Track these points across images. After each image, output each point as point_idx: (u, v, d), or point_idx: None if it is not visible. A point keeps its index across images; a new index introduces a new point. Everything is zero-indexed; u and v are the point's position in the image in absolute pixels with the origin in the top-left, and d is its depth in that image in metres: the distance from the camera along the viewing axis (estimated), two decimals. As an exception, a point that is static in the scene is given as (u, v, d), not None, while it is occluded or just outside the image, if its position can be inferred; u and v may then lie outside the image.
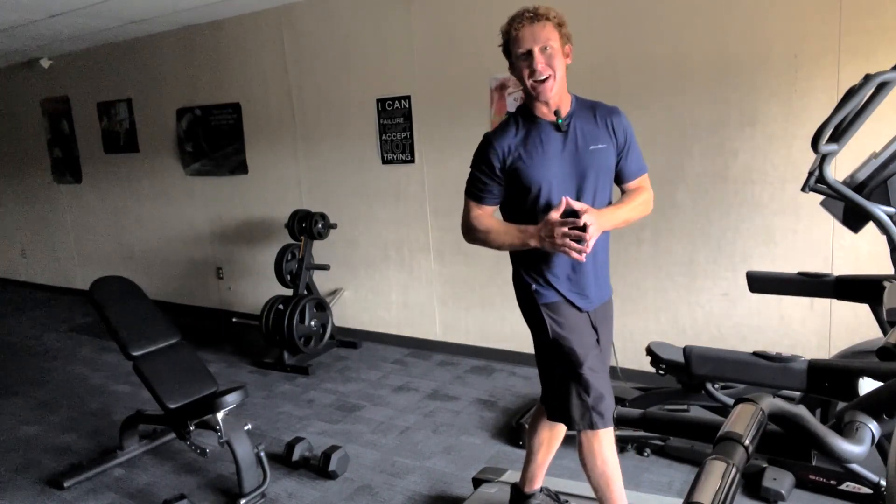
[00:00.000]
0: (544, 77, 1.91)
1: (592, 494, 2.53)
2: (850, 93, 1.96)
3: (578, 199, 1.95)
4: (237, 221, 5.55)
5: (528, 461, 2.41)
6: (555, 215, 1.81)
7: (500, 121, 4.03)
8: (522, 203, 1.99)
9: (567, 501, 2.47)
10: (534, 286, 2.04)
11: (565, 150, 1.98)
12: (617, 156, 2.05)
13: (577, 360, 1.97)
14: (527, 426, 2.48)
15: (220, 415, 2.84)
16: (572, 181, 1.98)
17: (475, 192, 2.04)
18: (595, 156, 2.00)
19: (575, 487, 2.61)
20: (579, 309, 2.04)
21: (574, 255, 1.79)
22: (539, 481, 2.43)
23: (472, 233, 2.03)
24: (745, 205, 3.40)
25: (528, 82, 1.93)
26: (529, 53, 1.90)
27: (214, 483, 3.08)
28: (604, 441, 2.02)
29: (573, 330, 2.01)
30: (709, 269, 3.50)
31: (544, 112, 1.99)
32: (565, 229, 1.78)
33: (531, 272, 2.05)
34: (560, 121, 1.98)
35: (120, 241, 6.54)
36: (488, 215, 2.03)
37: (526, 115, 2.01)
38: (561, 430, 2.34)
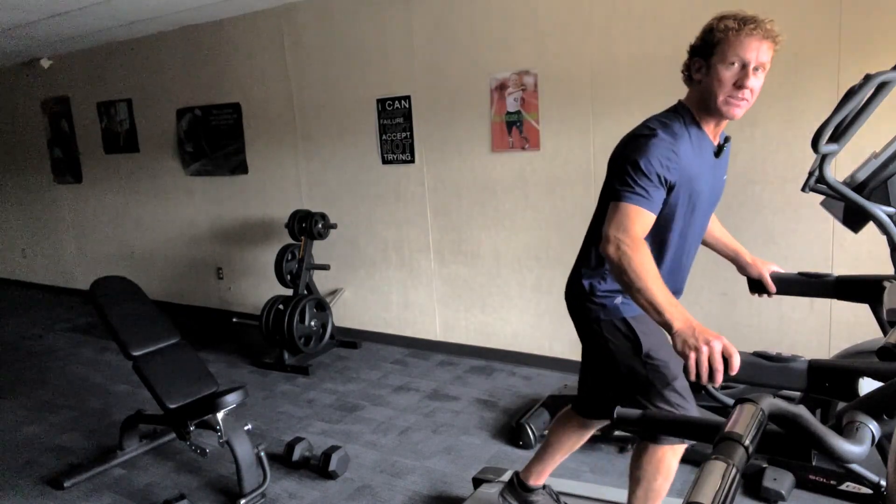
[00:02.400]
0: (744, 98, 1.70)
1: (592, 494, 2.54)
2: (851, 93, 1.96)
3: (701, 230, 1.91)
4: (237, 221, 5.55)
5: (543, 456, 2.37)
6: (728, 342, 1.47)
7: (500, 121, 4.07)
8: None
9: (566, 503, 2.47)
10: (618, 298, 1.89)
11: (714, 178, 1.86)
12: None
13: (671, 374, 1.87)
14: (554, 425, 2.40)
15: (220, 415, 2.84)
16: (708, 212, 1.91)
17: (644, 196, 1.64)
18: (721, 188, 1.96)
19: (575, 487, 2.61)
20: None
21: (692, 376, 1.46)
22: (545, 478, 2.42)
23: (629, 259, 1.57)
24: (745, 205, 3.40)
25: (724, 95, 1.70)
26: (745, 66, 1.67)
27: (214, 483, 3.08)
28: (676, 457, 1.97)
29: (663, 342, 1.86)
30: (708, 268, 3.49)
31: (711, 130, 1.82)
32: (720, 366, 1.44)
33: (610, 280, 1.87)
34: (724, 146, 1.85)
35: (120, 241, 6.53)
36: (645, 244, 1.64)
37: (696, 126, 1.79)
38: (588, 434, 2.32)
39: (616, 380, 1.98)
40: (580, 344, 2.10)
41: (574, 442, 2.32)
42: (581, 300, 1.98)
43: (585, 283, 1.96)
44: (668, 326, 1.50)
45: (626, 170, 1.68)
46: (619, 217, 1.63)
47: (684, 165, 1.72)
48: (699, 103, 1.78)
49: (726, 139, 1.88)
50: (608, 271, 1.86)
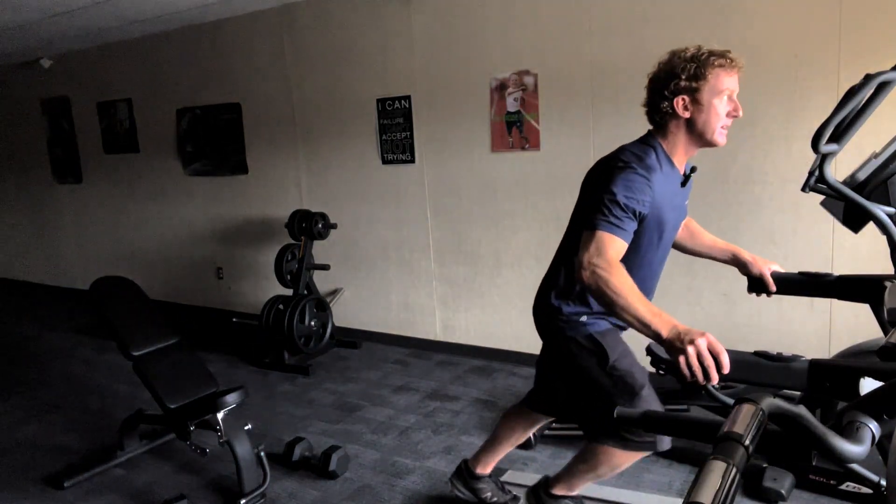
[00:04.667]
0: (726, 127, 1.82)
1: (592, 494, 2.54)
2: (851, 93, 1.96)
3: (665, 254, 1.99)
4: (237, 221, 5.55)
5: (490, 447, 2.50)
6: (713, 339, 1.46)
7: (500, 121, 4.07)
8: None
9: (511, 492, 2.57)
10: (583, 317, 1.97)
11: (679, 206, 1.95)
12: None
13: (637, 383, 1.97)
14: (505, 415, 2.55)
15: (220, 415, 2.84)
16: (672, 237, 1.98)
17: (619, 225, 1.70)
18: (684, 213, 2.04)
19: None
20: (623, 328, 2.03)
21: (688, 377, 1.47)
22: (491, 468, 2.54)
23: (606, 281, 1.61)
24: (745, 205, 3.40)
25: (719, 125, 1.79)
26: (730, 97, 1.79)
27: (214, 483, 3.08)
28: (629, 459, 2.06)
29: (627, 353, 2.00)
30: (708, 269, 3.49)
31: (680, 161, 1.90)
32: (710, 362, 1.43)
33: (577, 302, 1.97)
34: (690, 175, 1.93)
35: (120, 241, 6.53)
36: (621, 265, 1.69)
37: (667, 160, 1.87)
38: (533, 429, 2.49)
39: (585, 392, 2.08)
40: None
41: (520, 435, 2.46)
42: (549, 318, 2.05)
43: (554, 302, 2.03)
44: (657, 337, 1.52)
45: (601, 200, 1.72)
46: (594, 244, 1.68)
47: (656, 198, 1.79)
48: (685, 137, 1.84)
49: (692, 169, 1.94)
50: (578, 294, 1.96)
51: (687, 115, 1.79)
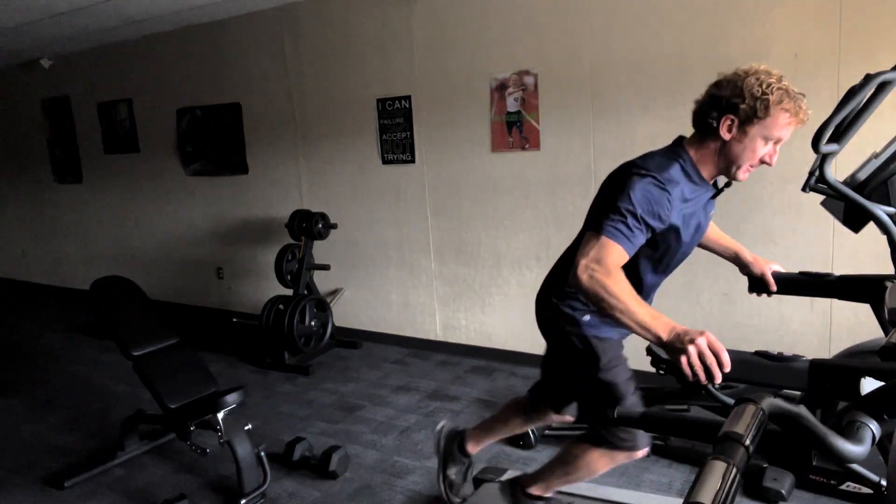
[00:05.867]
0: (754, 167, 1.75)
1: (592, 494, 2.54)
2: (851, 93, 1.96)
3: (676, 266, 1.95)
4: (237, 221, 5.55)
5: (489, 425, 2.51)
6: (713, 337, 1.45)
7: (500, 121, 4.07)
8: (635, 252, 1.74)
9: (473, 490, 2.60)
10: (586, 317, 1.96)
11: (703, 218, 1.87)
12: None
13: (619, 392, 1.95)
14: (509, 401, 2.55)
15: (220, 415, 2.84)
16: (689, 252, 1.93)
17: (626, 236, 1.63)
18: (708, 223, 1.97)
19: (575, 487, 2.60)
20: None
21: (690, 377, 1.46)
22: (478, 449, 2.55)
23: (603, 285, 1.56)
24: (746, 204, 3.40)
25: (748, 164, 1.72)
26: (778, 142, 1.71)
27: (215, 483, 3.08)
28: (608, 464, 2.07)
29: (618, 362, 1.98)
30: (709, 268, 3.49)
31: (710, 176, 1.81)
32: (712, 360, 1.42)
33: (579, 301, 1.94)
34: (723, 189, 1.86)
35: (120, 241, 6.53)
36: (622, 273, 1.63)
37: (696, 172, 1.78)
38: (532, 424, 2.50)
39: (575, 385, 2.11)
40: None
41: (518, 423, 2.46)
42: (549, 310, 2.04)
43: (557, 298, 2.01)
44: (657, 340, 1.50)
45: (615, 206, 1.65)
46: (595, 248, 1.61)
47: (676, 214, 1.72)
48: (714, 157, 1.75)
49: (727, 184, 1.85)
50: (579, 296, 1.90)
51: (727, 137, 1.70)
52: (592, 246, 1.62)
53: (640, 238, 1.66)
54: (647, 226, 1.66)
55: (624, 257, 1.64)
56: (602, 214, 1.66)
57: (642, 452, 2.03)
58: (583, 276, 1.59)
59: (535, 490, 2.29)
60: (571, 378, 2.11)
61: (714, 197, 1.87)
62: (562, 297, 2.00)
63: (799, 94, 1.66)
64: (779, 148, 1.72)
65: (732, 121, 1.68)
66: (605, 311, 1.58)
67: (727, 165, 1.74)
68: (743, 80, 1.66)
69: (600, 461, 2.05)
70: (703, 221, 1.89)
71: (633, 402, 1.97)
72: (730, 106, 1.67)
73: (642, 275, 1.88)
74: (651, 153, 1.81)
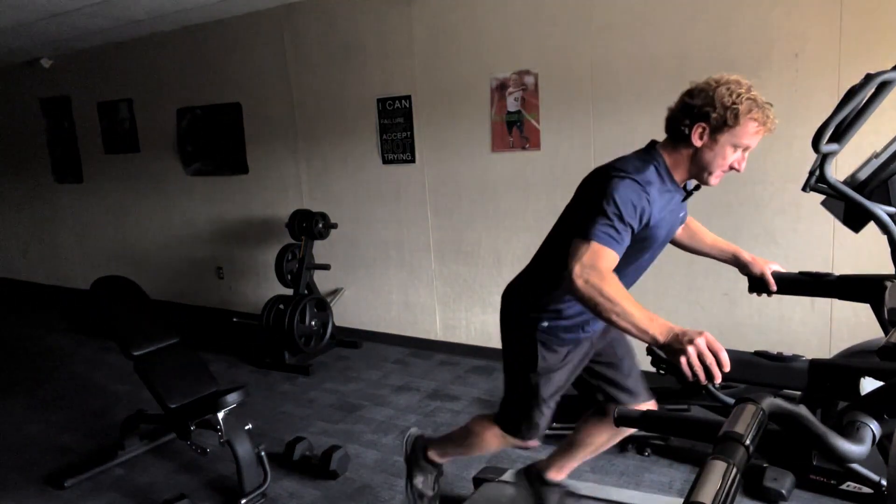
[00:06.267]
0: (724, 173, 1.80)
1: (593, 494, 2.54)
2: (851, 92, 1.96)
3: (650, 262, 1.98)
4: (238, 221, 5.55)
5: (567, 453, 2.44)
6: (711, 337, 1.46)
7: (500, 121, 4.07)
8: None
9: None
10: (544, 323, 2.00)
11: (674, 219, 1.93)
12: None
13: (537, 400, 2.05)
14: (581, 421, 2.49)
15: (220, 414, 2.84)
16: (656, 253, 1.96)
17: (615, 238, 1.66)
18: (679, 224, 2.03)
19: (576, 487, 2.60)
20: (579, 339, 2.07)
21: (690, 377, 1.46)
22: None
23: (599, 290, 1.58)
24: (746, 204, 3.40)
25: (718, 170, 1.77)
26: (746, 149, 1.76)
27: (215, 483, 3.08)
28: (500, 444, 2.26)
29: (554, 375, 2.04)
30: (709, 268, 3.49)
31: (681, 179, 1.86)
32: (711, 359, 1.42)
33: (542, 307, 1.99)
34: (693, 192, 1.92)
35: (120, 241, 6.54)
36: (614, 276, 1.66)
37: (668, 175, 1.83)
38: (615, 439, 2.38)
39: (507, 374, 2.18)
40: None
41: (603, 442, 2.41)
42: (512, 314, 2.12)
43: (520, 301, 2.08)
44: (655, 342, 1.52)
45: (596, 208, 1.68)
46: (587, 254, 1.63)
47: (653, 214, 1.76)
48: (687, 162, 1.80)
49: (696, 186, 1.91)
50: (546, 300, 1.98)
51: (699, 144, 1.75)
52: (584, 252, 1.64)
53: (628, 239, 1.70)
54: (629, 225, 1.70)
55: (615, 260, 1.66)
56: (588, 219, 1.68)
57: (533, 444, 2.17)
58: (578, 282, 1.60)
59: (432, 455, 2.46)
60: (507, 371, 2.19)
61: (684, 200, 1.92)
62: (527, 298, 2.05)
63: (767, 104, 1.71)
64: (747, 155, 1.78)
65: (704, 128, 1.73)
66: (601, 315, 1.59)
67: (699, 171, 1.80)
68: (714, 89, 1.71)
69: (494, 440, 2.22)
70: (675, 224, 1.95)
71: (541, 414, 2.07)
72: (701, 114, 1.72)
73: (621, 273, 1.89)
74: (626, 157, 1.85)
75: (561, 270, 1.70)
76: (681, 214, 1.99)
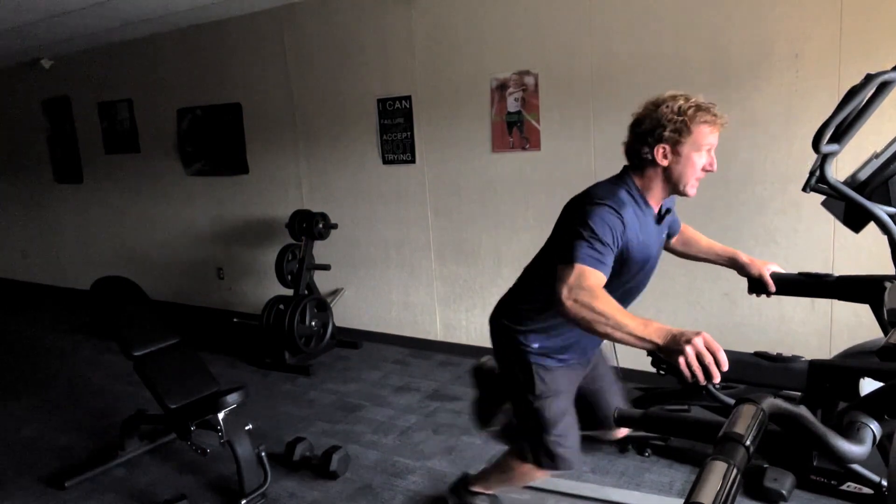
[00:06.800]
0: (699, 180, 1.84)
1: (593, 494, 2.54)
2: (852, 93, 1.95)
3: (642, 286, 2.02)
4: (238, 221, 5.55)
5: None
6: (709, 337, 1.46)
7: (501, 121, 4.07)
8: None
9: None
10: (534, 345, 2.02)
11: (655, 241, 1.96)
12: None
13: (547, 421, 2.03)
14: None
15: (220, 415, 2.84)
16: (649, 272, 1.99)
17: (598, 259, 1.70)
18: (661, 246, 2.05)
19: (576, 487, 2.61)
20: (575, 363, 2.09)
21: (689, 378, 1.46)
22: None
23: (590, 306, 1.60)
24: (746, 205, 3.40)
25: (694, 178, 1.82)
26: (711, 149, 1.82)
27: (215, 483, 3.08)
28: (536, 476, 2.21)
29: (557, 393, 2.04)
30: (709, 269, 3.48)
31: (656, 202, 1.91)
32: (710, 359, 1.42)
33: (530, 330, 2.02)
34: (665, 217, 1.96)
35: (121, 242, 6.54)
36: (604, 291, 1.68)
37: (641, 198, 1.88)
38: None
39: (512, 405, 2.19)
40: None
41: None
42: (502, 336, 2.12)
43: (507, 322, 2.09)
44: (653, 346, 1.52)
45: (578, 234, 1.73)
46: (574, 275, 1.66)
47: (629, 235, 1.80)
48: (660, 183, 1.86)
49: (668, 210, 1.96)
50: (533, 322, 2.01)
51: (665, 163, 1.81)
52: (569, 274, 1.67)
53: (610, 259, 1.73)
54: (611, 248, 1.74)
55: (602, 279, 1.69)
56: (568, 245, 1.72)
57: (567, 469, 2.11)
58: (567, 302, 1.62)
59: (476, 487, 2.45)
60: (509, 398, 2.20)
61: (659, 222, 1.95)
62: (514, 320, 2.08)
63: (710, 104, 1.79)
64: (713, 153, 1.83)
65: (665, 148, 1.80)
66: (596, 330, 1.59)
67: (674, 186, 1.85)
68: (657, 111, 1.79)
69: (531, 472, 2.17)
70: (656, 245, 1.98)
71: (561, 431, 2.04)
72: (657, 137, 1.80)
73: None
74: (599, 183, 1.94)
75: (547, 291, 1.73)
76: (661, 236, 2.01)
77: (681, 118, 1.76)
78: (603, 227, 1.73)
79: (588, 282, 1.64)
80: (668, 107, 1.77)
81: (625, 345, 1.58)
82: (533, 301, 2.02)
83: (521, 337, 2.04)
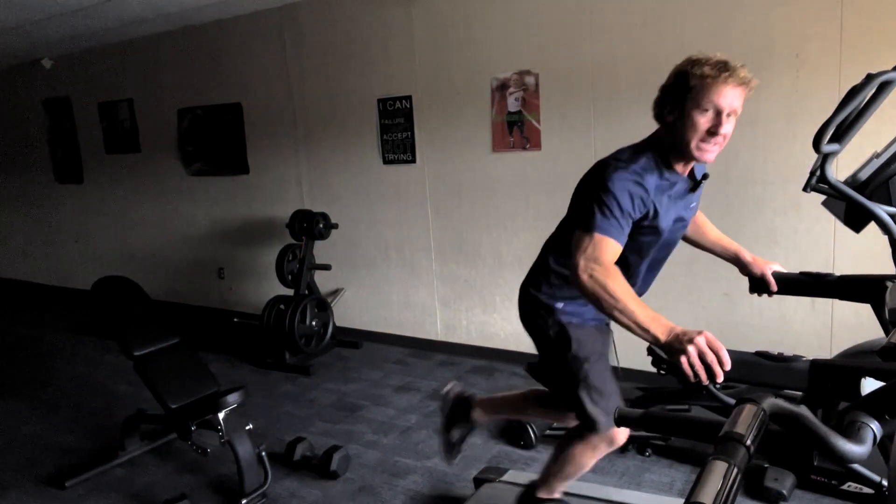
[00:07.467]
0: (716, 143, 1.72)
1: (594, 494, 2.54)
2: (852, 92, 1.95)
3: (664, 258, 1.99)
4: (238, 221, 5.55)
5: (498, 405, 2.57)
6: (712, 336, 1.44)
7: (501, 121, 4.07)
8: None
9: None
10: (559, 304, 2.01)
11: (684, 211, 1.91)
12: None
13: (591, 382, 2.00)
14: (528, 391, 2.53)
15: (221, 414, 2.84)
16: (673, 243, 1.96)
17: (614, 227, 1.67)
18: (691, 217, 2.02)
19: (577, 487, 2.60)
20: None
21: (691, 378, 1.45)
22: (485, 418, 2.60)
23: (603, 285, 1.59)
24: (747, 205, 3.40)
25: (696, 140, 1.71)
26: (719, 113, 1.69)
27: (215, 483, 3.09)
28: (594, 457, 2.13)
29: (592, 348, 2.02)
30: (709, 268, 3.49)
31: (681, 167, 1.84)
32: (713, 358, 1.41)
33: (555, 290, 2.01)
34: (701, 183, 1.90)
35: (121, 241, 6.54)
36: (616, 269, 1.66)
37: (666, 164, 1.81)
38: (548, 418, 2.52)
39: (551, 373, 2.16)
40: None
41: (534, 414, 2.55)
42: (529, 305, 2.11)
43: (534, 289, 2.08)
44: (655, 341, 1.52)
45: (595, 199, 1.70)
46: (589, 247, 1.66)
47: (652, 201, 1.76)
48: (670, 143, 1.80)
49: (704, 176, 1.90)
50: (557, 284, 2.00)
51: (671, 119, 1.77)
52: (586, 244, 1.66)
53: (626, 226, 1.71)
54: (629, 213, 1.71)
55: (618, 250, 1.69)
56: (587, 211, 1.71)
57: (621, 439, 2.06)
58: (583, 276, 1.63)
59: (541, 493, 2.34)
60: (551, 368, 2.15)
61: (693, 190, 1.90)
62: (538, 286, 2.07)
63: (725, 60, 1.69)
64: (731, 119, 1.72)
65: (671, 105, 1.76)
66: (604, 310, 1.60)
67: (679, 144, 1.76)
68: (676, 68, 1.78)
69: (584, 454, 2.11)
70: (685, 213, 1.93)
71: (609, 391, 1.99)
72: (662, 91, 1.80)
73: (631, 265, 1.91)
74: (624, 148, 1.87)
75: (567, 258, 1.72)
76: (692, 205, 1.97)
77: (681, 72, 1.72)
78: (623, 192, 1.70)
79: (604, 255, 1.64)
80: (677, 67, 1.75)
81: (626, 330, 1.58)
82: (559, 274, 2.00)
83: (547, 300, 2.03)
